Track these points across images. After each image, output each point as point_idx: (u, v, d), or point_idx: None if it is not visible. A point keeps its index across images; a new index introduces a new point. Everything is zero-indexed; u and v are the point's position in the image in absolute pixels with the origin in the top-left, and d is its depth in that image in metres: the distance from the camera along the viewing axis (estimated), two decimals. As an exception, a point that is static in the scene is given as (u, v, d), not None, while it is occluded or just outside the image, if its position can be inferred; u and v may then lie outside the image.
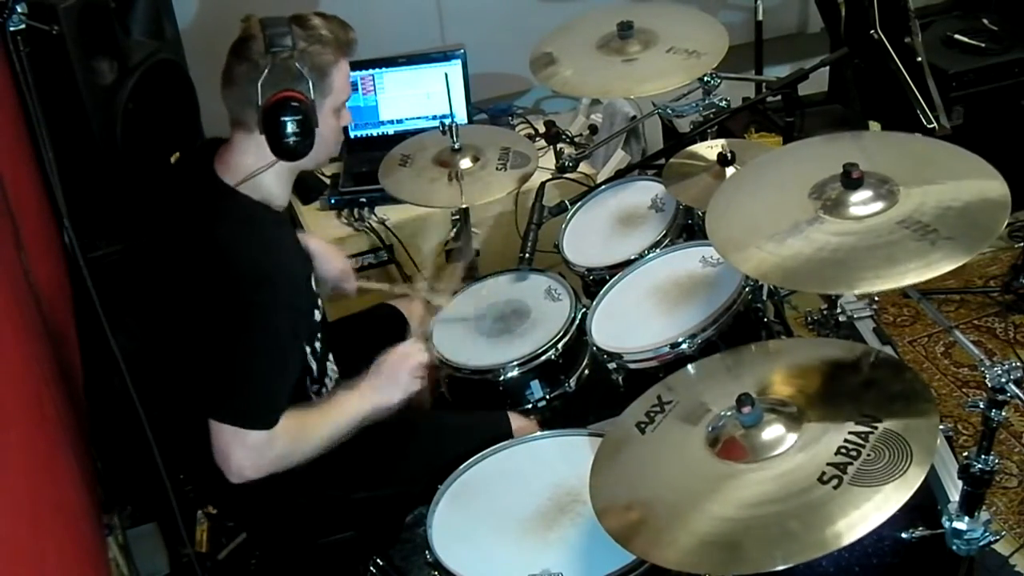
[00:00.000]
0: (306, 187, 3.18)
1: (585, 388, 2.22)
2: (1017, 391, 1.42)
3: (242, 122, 1.79)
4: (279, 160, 1.78)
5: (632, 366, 2.07)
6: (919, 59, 3.04)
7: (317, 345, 1.97)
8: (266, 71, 1.71)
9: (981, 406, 1.48)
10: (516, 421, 2.08)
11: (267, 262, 1.76)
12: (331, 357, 2.06)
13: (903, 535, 1.62)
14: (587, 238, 2.49)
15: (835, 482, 1.39)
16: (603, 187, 2.63)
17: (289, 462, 1.81)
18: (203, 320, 1.79)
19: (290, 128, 1.71)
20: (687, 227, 2.40)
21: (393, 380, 1.95)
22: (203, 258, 1.78)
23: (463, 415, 2.19)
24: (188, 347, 1.87)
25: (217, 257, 1.76)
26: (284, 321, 1.77)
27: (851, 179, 1.57)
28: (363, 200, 3.07)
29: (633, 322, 2.14)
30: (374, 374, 1.95)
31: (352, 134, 3.30)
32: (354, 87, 3.22)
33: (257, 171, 1.80)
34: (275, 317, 1.76)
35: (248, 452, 1.76)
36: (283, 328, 1.77)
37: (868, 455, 1.41)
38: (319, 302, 1.98)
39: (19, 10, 1.65)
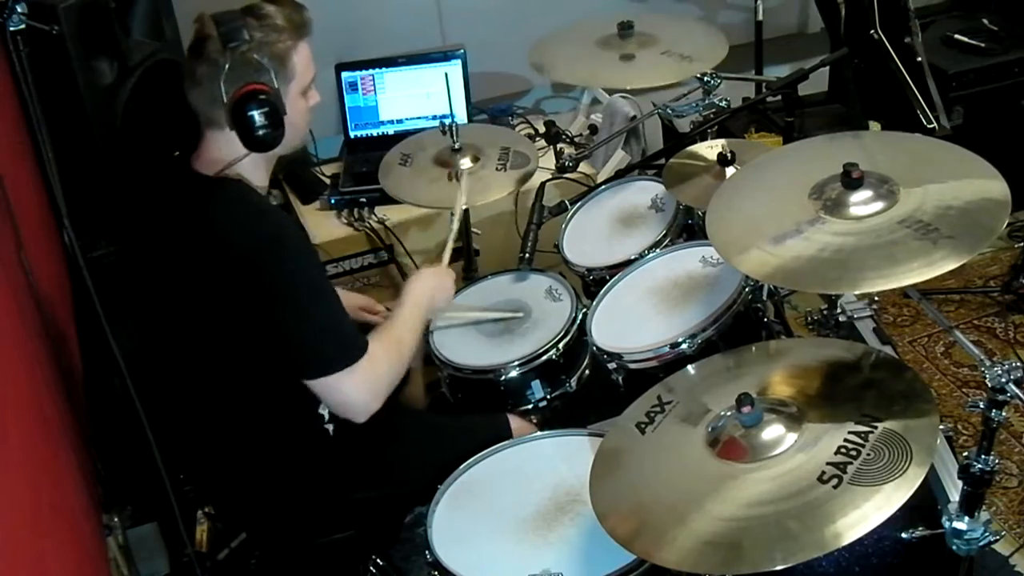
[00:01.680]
0: (306, 187, 3.18)
1: (585, 388, 2.22)
2: (1017, 391, 1.42)
3: (212, 120, 1.81)
4: (252, 152, 1.80)
5: (632, 366, 2.07)
6: (919, 59, 3.04)
7: None
8: (226, 67, 1.72)
9: (981, 406, 1.48)
10: (515, 423, 2.08)
11: (271, 226, 1.79)
12: None
13: (903, 535, 1.62)
14: (587, 238, 2.50)
15: (835, 482, 1.39)
16: (603, 187, 2.63)
17: (398, 374, 1.88)
18: (234, 307, 1.79)
19: (259, 120, 1.73)
20: (687, 227, 2.40)
21: (428, 301, 2.05)
22: (207, 247, 1.79)
23: (463, 417, 2.20)
24: (213, 336, 1.87)
25: (223, 241, 1.77)
26: (313, 264, 1.84)
27: (851, 179, 1.57)
28: (363, 200, 3.07)
29: (633, 322, 2.14)
30: (412, 300, 2.02)
31: (352, 134, 3.31)
32: (354, 87, 3.26)
33: (233, 162, 1.81)
34: (304, 266, 1.80)
35: (363, 385, 1.81)
36: (316, 270, 1.83)
37: (868, 455, 1.41)
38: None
39: (19, 10, 1.65)
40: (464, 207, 2.45)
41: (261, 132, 1.74)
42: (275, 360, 1.81)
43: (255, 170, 1.86)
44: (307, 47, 1.83)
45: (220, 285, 1.80)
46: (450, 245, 2.26)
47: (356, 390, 1.81)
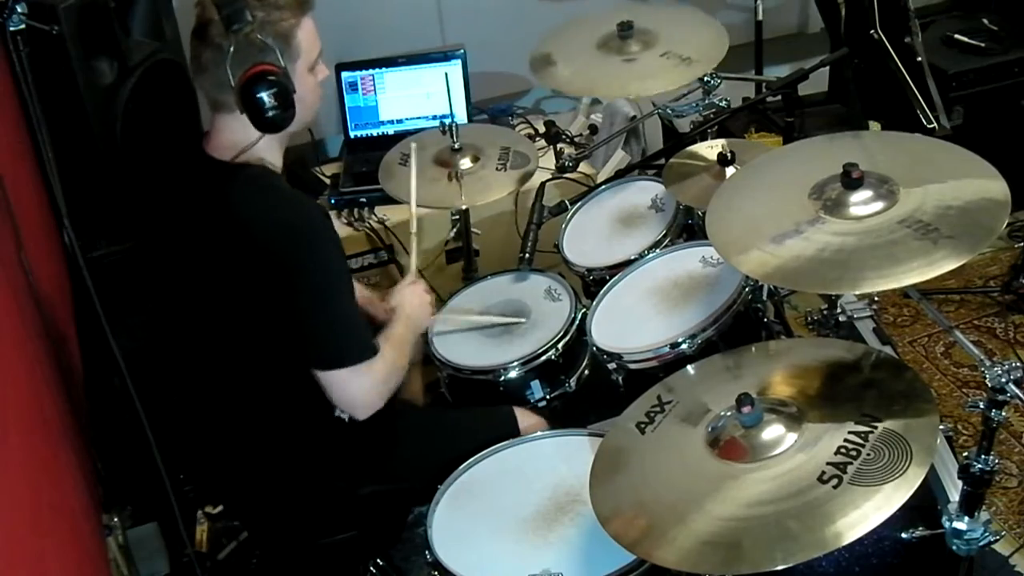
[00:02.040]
0: (306, 187, 3.18)
1: (585, 388, 2.22)
2: (1017, 391, 1.42)
3: (222, 105, 1.80)
4: (265, 133, 1.79)
5: (632, 366, 2.07)
6: (919, 59, 3.04)
7: None
8: (231, 50, 1.71)
9: (981, 406, 1.48)
10: (524, 418, 2.08)
11: (293, 213, 1.78)
12: None
13: (903, 535, 1.62)
14: (587, 238, 2.49)
15: (835, 482, 1.39)
16: (603, 187, 2.63)
17: (400, 375, 1.90)
18: (255, 295, 1.79)
19: (268, 101, 1.71)
20: (687, 227, 2.40)
21: (416, 318, 2.08)
22: (228, 235, 1.78)
23: (470, 410, 2.20)
24: (225, 336, 1.87)
25: (243, 228, 1.76)
26: (336, 254, 1.83)
27: (851, 179, 1.57)
28: (363, 200, 3.07)
29: (633, 322, 2.14)
30: (406, 313, 2.06)
31: (352, 134, 3.31)
32: (354, 87, 3.26)
33: (248, 145, 1.80)
34: (328, 256, 1.80)
35: (372, 382, 1.83)
36: (338, 260, 1.83)
37: (868, 455, 1.41)
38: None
39: (19, 10, 1.65)
40: (463, 208, 2.46)
41: (272, 113, 1.72)
42: (289, 349, 1.81)
43: (270, 151, 1.85)
44: (311, 22, 1.82)
45: (240, 270, 1.78)
46: (413, 265, 2.26)
47: (363, 387, 1.82)
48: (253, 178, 1.81)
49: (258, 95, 1.71)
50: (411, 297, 2.11)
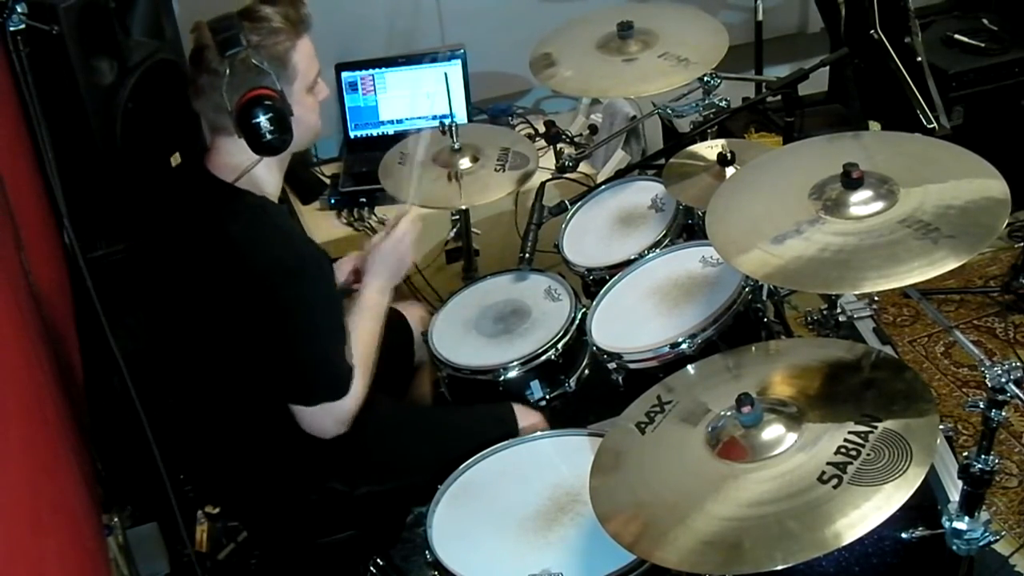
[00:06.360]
0: (306, 187, 3.18)
1: (585, 388, 2.22)
2: (1017, 391, 1.42)
3: (221, 127, 1.80)
4: (264, 157, 1.79)
5: (632, 366, 2.07)
6: (919, 59, 3.04)
7: None
8: (227, 75, 1.71)
9: (981, 406, 1.48)
10: (523, 415, 2.08)
11: (291, 252, 1.78)
12: None
13: (903, 535, 1.62)
14: (587, 238, 2.50)
15: (835, 482, 1.39)
16: (603, 187, 2.63)
17: (365, 393, 1.88)
18: (240, 321, 1.80)
19: (265, 126, 1.72)
20: (687, 227, 2.40)
21: (394, 264, 2.05)
22: (222, 261, 1.79)
23: (467, 408, 2.20)
24: (216, 347, 1.88)
25: (239, 259, 1.77)
26: (327, 294, 1.84)
27: (851, 179, 1.57)
28: (363, 200, 3.07)
29: (633, 322, 2.14)
30: (375, 264, 2.03)
31: (352, 134, 3.31)
32: (354, 87, 3.26)
33: (249, 167, 1.80)
34: (318, 296, 1.80)
35: (342, 414, 1.83)
36: (328, 300, 1.83)
37: (868, 455, 1.41)
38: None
39: (19, 10, 1.65)
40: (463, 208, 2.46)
41: (269, 137, 1.73)
42: (267, 377, 1.81)
43: (269, 173, 1.86)
44: (308, 43, 1.81)
45: (228, 296, 1.80)
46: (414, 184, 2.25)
47: (332, 420, 1.84)
48: (252, 211, 1.81)
49: (255, 120, 1.71)
50: (386, 249, 2.04)
